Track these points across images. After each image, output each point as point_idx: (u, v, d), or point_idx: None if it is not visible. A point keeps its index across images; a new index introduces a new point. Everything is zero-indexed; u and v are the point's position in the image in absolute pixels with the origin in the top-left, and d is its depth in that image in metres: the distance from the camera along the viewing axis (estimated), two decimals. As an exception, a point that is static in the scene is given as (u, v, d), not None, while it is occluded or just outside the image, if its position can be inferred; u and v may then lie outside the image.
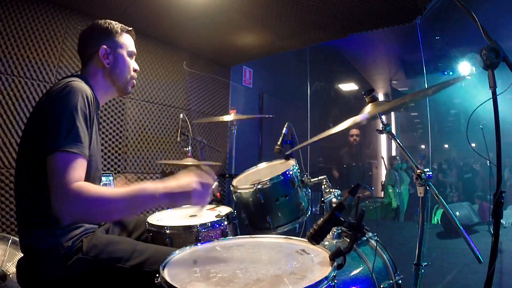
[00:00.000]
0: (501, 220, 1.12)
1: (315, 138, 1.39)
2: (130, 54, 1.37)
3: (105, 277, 1.15)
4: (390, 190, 6.51)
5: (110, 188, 1.07)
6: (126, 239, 1.35)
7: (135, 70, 1.39)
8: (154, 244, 1.31)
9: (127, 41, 1.36)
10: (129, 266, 1.14)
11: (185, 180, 1.08)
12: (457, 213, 4.17)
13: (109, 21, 1.35)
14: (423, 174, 1.09)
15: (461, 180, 8.00)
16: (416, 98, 1.37)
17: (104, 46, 1.29)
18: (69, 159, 1.03)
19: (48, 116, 1.09)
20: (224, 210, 1.73)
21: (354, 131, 5.78)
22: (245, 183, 1.66)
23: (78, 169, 1.04)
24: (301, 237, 1.14)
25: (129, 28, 1.39)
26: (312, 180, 1.67)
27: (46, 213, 1.11)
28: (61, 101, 1.09)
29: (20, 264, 1.21)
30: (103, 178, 2.67)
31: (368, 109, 1.30)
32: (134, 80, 1.40)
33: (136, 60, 1.42)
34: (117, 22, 1.36)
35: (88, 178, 1.21)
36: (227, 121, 2.59)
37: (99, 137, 1.35)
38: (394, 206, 6.32)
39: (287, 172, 1.59)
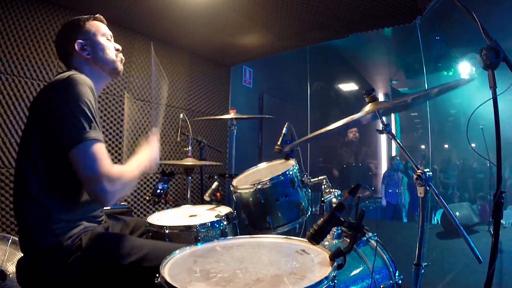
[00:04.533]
0: (501, 220, 1.12)
1: (314, 134, 1.38)
2: (106, 37, 1.39)
3: (105, 274, 1.15)
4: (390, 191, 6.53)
5: (132, 165, 1.24)
6: (124, 236, 1.36)
7: (117, 50, 1.42)
8: (153, 240, 1.32)
9: (98, 27, 1.38)
10: (128, 262, 1.14)
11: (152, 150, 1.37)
12: (457, 213, 4.17)
13: (74, 18, 1.37)
14: (423, 174, 1.08)
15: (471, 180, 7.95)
16: (418, 101, 1.37)
17: (79, 40, 1.32)
18: (99, 146, 1.09)
19: (61, 111, 1.11)
20: (224, 210, 1.73)
21: (352, 129, 5.79)
22: (245, 183, 1.66)
23: (107, 154, 1.11)
24: (301, 237, 1.14)
25: (95, 15, 1.41)
26: (312, 180, 1.67)
27: (46, 212, 1.12)
28: (70, 94, 1.11)
29: (20, 264, 1.21)
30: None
31: (367, 108, 1.29)
32: (120, 57, 1.42)
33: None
34: (82, 15, 1.38)
35: None
36: (227, 121, 2.58)
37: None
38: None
39: (287, 172, 1.59)
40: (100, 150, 1.08)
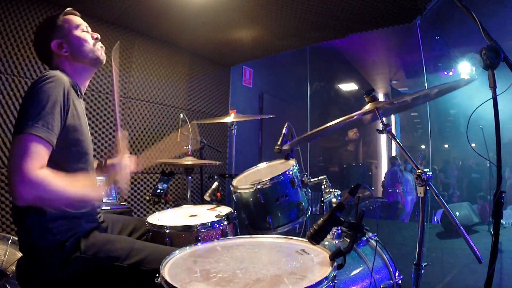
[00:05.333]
0: (501, 220, 1.12)
1: (314, 131, 1.38)
2: (81, 29, 1.35)
3: (104, 276, 1.15)
4: (390, 191, 6.53)
5: (68, 181, 1.12)
6: (124, 237, 1.36)
7: (96, 38, 1.38)
8: (152, 243, 1.32)
9: (71, 21, 1.35)
10: (127, 264, 1.14)
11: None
12: (457, 213, 4.16)
13: (45, 18, 1.37)
14: (423, 174, 1.08)
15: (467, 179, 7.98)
16: (417, 101, 1.37)
17: (55, 40, 1.30)
18: (37, 143, 1.05)
19: (24, 103, 1.12)
20: (224, 210, 1.73)
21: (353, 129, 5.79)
22: (245, 183, 1.66)
23: (44, 155, 1.07)
24: (301, 237, 1.13)
25: (66, 10, 1.37)
26: (312, 180, 1.67)
27: (43, 211, 1.12)
28: (38, 90, 1.11)
29: (20, 264, 1.21)
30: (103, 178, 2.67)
31: (366, 108, 1.29)
32: (99, 45, 1.38)
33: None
34: (52, 13, 1.36)
35: (79, 162, 1.24)
36: (227, 122, 2.58)
37: (87, 123, 1.36)
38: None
39: (287, 172, 1.58)
40: (34, 147, 1.04)
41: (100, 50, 1.38)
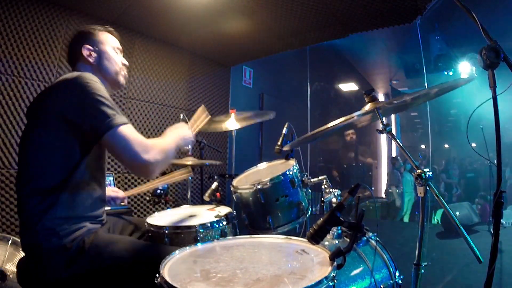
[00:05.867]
0: (501, 220, 1.12)
1: (314, 132, 1.38)
2: (114, 49, 1.42)
3: (106, 276, 1.16)
4: (390, 191, 6.53)
5: (164, 137, 1.30)
6: (126, 238, 1.36)
7: (124, 64, 1.44)
8: (154, 243, 1.32)
9: (108, 38, 1.41)
10: (129, 265, 1.14)
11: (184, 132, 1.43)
12: (457, 213, 4.16)
13: (88, 25, 1.42)
14: (423, 174, 1.08)
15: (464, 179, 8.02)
16: (418, 101, 1.37)
17: (87, 46, 1.35)
18: (127, 127, 1.15)
19: (83, 106, 1.14)
20: (224, 210, 1.72)
21: (349, 131, 5.80)
22: (245, 183, 1.66)
23: (136, 132, 1.17)
24: (301, 237, 1.13)
25: (110, 29, 1.44)
26: (312, 180, 1.67)
27: (49, 212, 1.12)
28: (86, 88, 1.15)
29: (20, 264, 1.21)
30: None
31: (366, 108, 1.29)
32: (124, 72, 1.44)
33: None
34: (97, 26, 1.42)
35: (98, 162, 1.28)
36: (227, 121, 2.58)
37: None
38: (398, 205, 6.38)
39: (287, 172, 1.58)
40: (129, 130, 1.15)
41: (123, 76, 1.44)
